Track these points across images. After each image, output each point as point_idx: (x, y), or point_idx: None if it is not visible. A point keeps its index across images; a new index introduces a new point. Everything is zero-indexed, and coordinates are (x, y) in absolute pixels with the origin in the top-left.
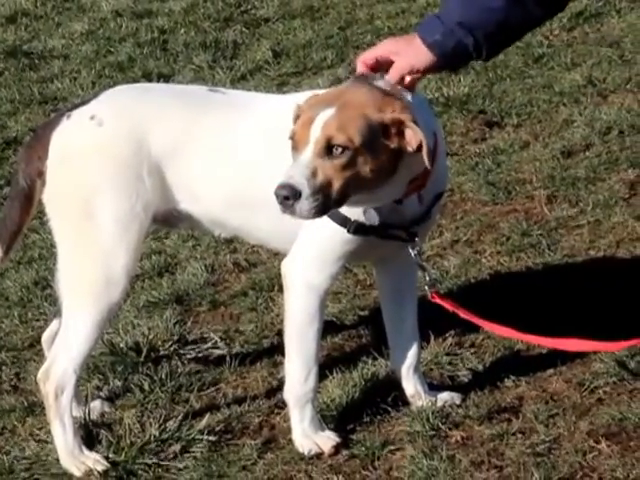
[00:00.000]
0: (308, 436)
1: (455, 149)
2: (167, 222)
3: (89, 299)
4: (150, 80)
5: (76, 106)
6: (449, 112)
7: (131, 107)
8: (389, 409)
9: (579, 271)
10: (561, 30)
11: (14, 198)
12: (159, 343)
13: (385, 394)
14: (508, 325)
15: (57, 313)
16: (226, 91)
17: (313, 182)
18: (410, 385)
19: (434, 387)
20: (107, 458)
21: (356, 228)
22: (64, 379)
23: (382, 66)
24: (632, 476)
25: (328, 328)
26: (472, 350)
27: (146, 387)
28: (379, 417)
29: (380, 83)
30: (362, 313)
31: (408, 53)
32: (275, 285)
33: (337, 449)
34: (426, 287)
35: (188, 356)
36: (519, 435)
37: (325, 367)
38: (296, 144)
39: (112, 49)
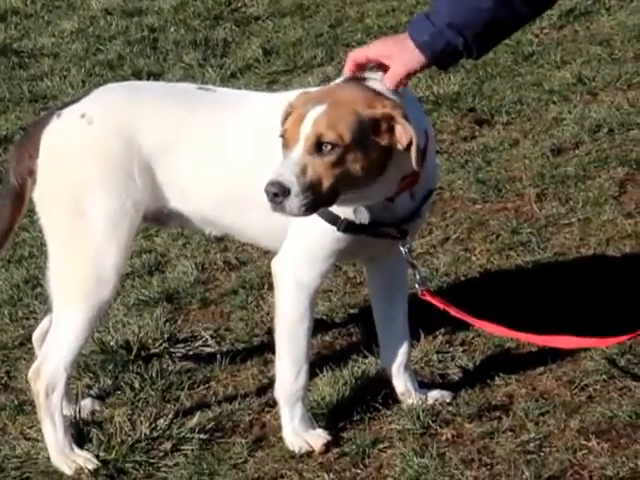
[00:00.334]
0: (298, 434)
1: (445, 147)
2: (158, 220)
3: (80, 297)
4: (140, 78)
5: (66, 104)
6: (439, 110)
7: (121, 105)
8: (379, 407)
9: (569, 269)
10: (551, 28)
11: (5, 197)
12: (149, 341)
13: (375, 392)
14: (498, 323)
15: (47, 311)
16: (216, 89)
17: (303, 179)
18: (400, 383)
19: (424, 385)
20: (98, 456)
21: (346, 226)
22: (55, 377)
23: (372, 65)
24: (622, 474)
25: (318, 326)
26: (462, 348)
27: (136, 385)
28: (369, 415)
29: (371, 83)
30: (352, 311)
31: (401, 57)
32: (265, 283)
33: (327, 447)
34: (416, 285)
35: (178, 354)
36: (509, 433)
37: (315, 365)
38: (287, 141)
39: (102, 47)
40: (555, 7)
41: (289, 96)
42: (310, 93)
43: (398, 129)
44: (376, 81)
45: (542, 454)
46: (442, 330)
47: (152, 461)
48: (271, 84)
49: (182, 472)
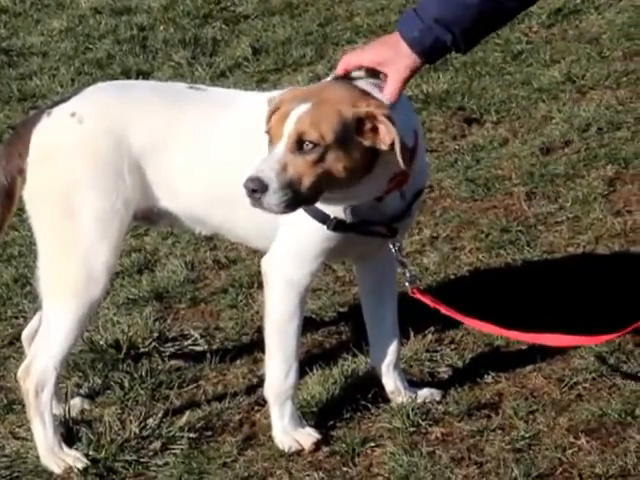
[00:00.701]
0: (288, 433)
1: (434, 146)
2: (147, 219)
3: (69, 296)
4: (129, 77)
5: (56, 103)
6: (428, 109)
7: (112, 104)
8: (369, 406)
9: (558, 267)
10: (540, 27)
11: None
12: (139, 340)
13: (365, 391)
14: (488, 321)
15: (37, 310)
16: (206, 88)
17: (282, 176)
18: (390, 382)
19: (414, 384)
20: (87, 455)
21: (336, 225)
22: (44, 376)
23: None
24: (611, 472)
25: (308, 325)
26: (452, 347)
27: (126, 384)
28: (359, 414)
29: (359, 82)
30: (342, 310)
31: (397, 63)
32: (255, 282)
33: (317, 446)
34: (406, 283)
35: (168, 353)
36: (499, 431)
37: (305, 364)
38: (271, 138)
39: (91, 46)
40: (544, 6)
41: (278, 95)
42: (297, 91)
43: (382, 129)
44: (363, 80)
45: (531, 452)
46: (432, 329)
47: (142, 460)
48: (260, 83)
49: (172, 471)
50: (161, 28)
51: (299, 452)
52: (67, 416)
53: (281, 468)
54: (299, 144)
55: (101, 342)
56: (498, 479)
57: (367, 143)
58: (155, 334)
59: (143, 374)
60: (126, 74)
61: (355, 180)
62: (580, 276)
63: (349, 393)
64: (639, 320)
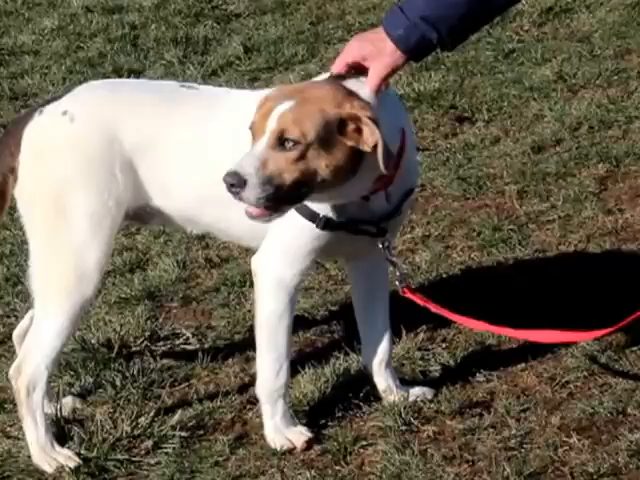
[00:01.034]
0: (280, 431)
1: (426, 144)
2: (139, 218)
3: (61, 295)
4: (121, 76)
5: (48, 102)
6: (420, 107)
7: (103, 103)
8: (361, 404)
9: (550, 266)
10: (531, 25)
11: None
12: (131, 339)
13: (357, 389)
14: (479, 319)
15: (28, 309)
16: (198, 87)
17: (262, 172)
18: (382, 380)
19: (406, 382)
20: (79, 454)
21: (325, 223)
22: (36, 375)
23: (354, 69)
24: (603, 470)
25: (300, 323)
26: (444, 345)
27: (118, 383)
28: (351, 412)
29: (348, 82)
30: (334, 308)
31: (380, 59)
32: (247, 281)
33: (309, 444)
34: (397, 282)
35: (160, 352)
36: (491, 430)
37: (297, 362)
38: (254, 134)
39: (82, 45)
40: (535, 4)
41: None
42: (284, 88)
43: (365, 131)
44: (353, 80)
45: (523, 450)
46: (423, 327)
47: (133, 459)
48: (252, 81)
49: (164, 470)
50: (152, 27)
51: (291, 451)
52: (59, 415)
53: (273, 467)
54: (280, 141)
55: (93, 341)
56: (490, 477)
57: (350, 143)
58: (147, 333)
59: (135, 373)
60: (118, 73)
61: (340, 179)
62: (571, 274)
63: (341, 392)
64: (630, 317)
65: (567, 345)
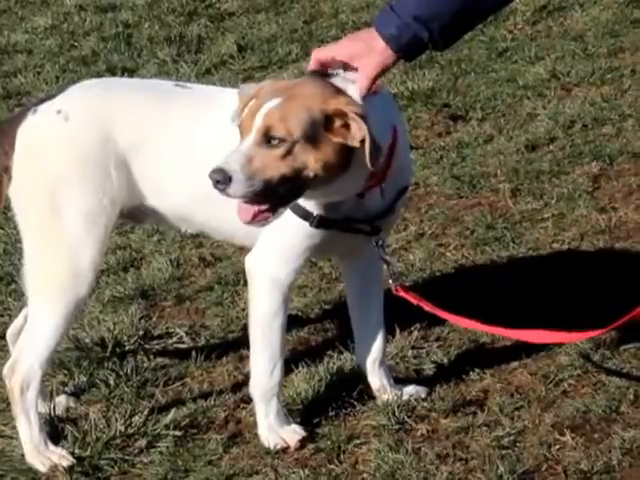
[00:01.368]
0: (274, 430)
1: (420, 143)
2: (134, 217)
3: (55, 294)
4: (114, 74)
5: (42, 101)
6: (414, 106)
7: (98, 102)
8: (355, 403)
9: (543, 264)
10: (525, 24)
11: None
12: (124, 338)
13: (351, 388)
14: (473, 318)
15: (22, 308)
16: (192, 86)
17: (248, 168)
18: (376, 379)
19: (399, 381)
20: (72, 453)
21: (319, 222)
22: (30, 374)
23: (337, 65)
24: (596, 468)
25: (294, 322)
26: (437, 344)
27: (111, 382)
28: (345, 411)
29: (335, 79)
30: (327, 307)
31: (370, 58)
32: (241, 279)
33: (303, 443)
34: (390, 281)
35: (153, 351)
36: (484, 428)
37: (291, 361)
38: (241, 131)
39: (76, 43)
40: (529, 3)
41: (254, 86)
42: (272, 85)
43: (353, 126)
44: (339, 77)
45: (517, 449)
46: (417, 326)
47: (127, 458)
48: (246, 80)
49: (157, 469)
50: (146, 25)
51: (284, 449)
52: (52, 414)
53: (267, 465)
54: (267, 139)
55: (86, 340)
56: (483, 476)
57: (338, 140)
58: (140, 332)
59: (128, 372)
60: (111, 71)
61: (331, 175)
62: (565, 272)
63: (335, 390)
64: (624, 316)
65: (560, 343)
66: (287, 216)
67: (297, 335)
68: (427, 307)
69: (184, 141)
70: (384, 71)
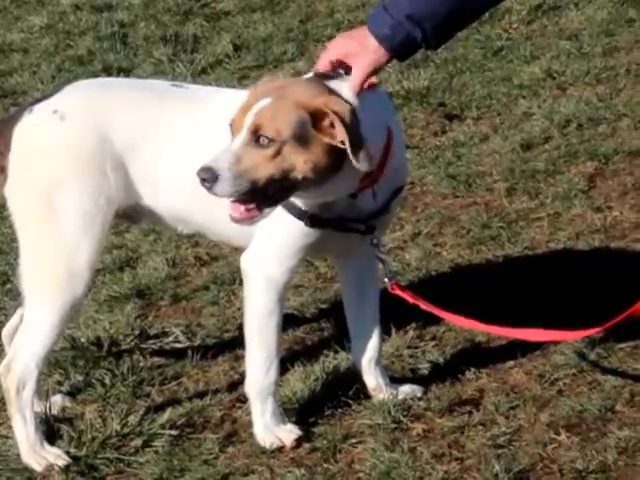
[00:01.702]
0: (269, 429)
1: (415, 142)
2: (130, 217)
3: (52, 293)
4: (110, 74)
5: (38, 100)
6: (409, 105)
7: (94, 101)
8: (350, 402)
9: (539, 263)
10: (520, 23)
11: None
12: (120, 337)
13: (346, 387)
14: (469, 316)
15: (18, 308)
16: (188, 86)
17: (236, 167)
18: (371, 378)
19: (395, 380)
20: (68, 453)
21: (313, 221)
22: (26, 374)
23: (338, 67)
24: (591, 467)
25: (289, 321)
26: (433, 343)
27: (107, 382)
28: (340, 410)
29: (331, 80)
30: (323, 306)
31: (363, 56)
32: (237, 279)
33: (299, 442)
34: (385, 279)
35: (149, 350)
36: (480, 427)
37: (286, 360)
38: (233, 130)
39: (72, 43)
40: (524, 2)
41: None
42: (266, 84)
43: (336, 125)
44: (337, 80)
45: (512, 448)
46: (413, 325)
47: (123, 457)
48: (242, 80)
49: (153, 468)
50: (142, 25)
51: (280, 449)
52: (48, 414)
53: (262, 465)
54: (256, 138)
55: (82, 339)
56: (479, 475)
57: (325, 140)
58: (136, 331)
59: (124, 371)
60: (107, 71)
61: (322, 176)
62: (560, 272)
63: (330, 390)
64: (619, 315)
65: (556, 342)
66: (282, 215)
67: (293, 334)
68: (423, 305)
69: (180, 141)
70: (377, 70)
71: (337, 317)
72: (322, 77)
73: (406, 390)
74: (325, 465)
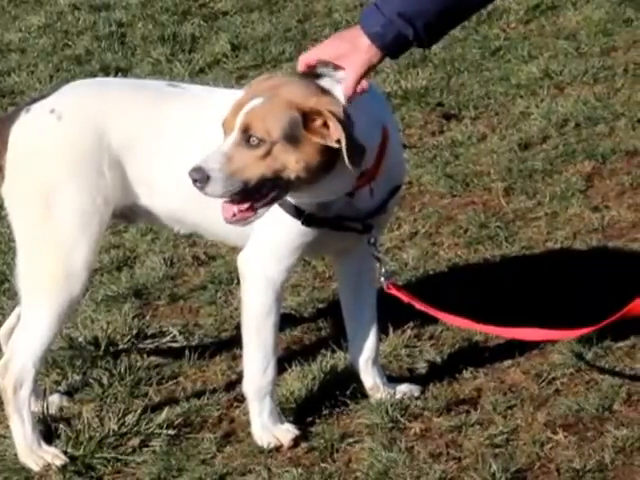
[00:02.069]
0: (267, 429)
1: (413, 142)
2: (127, 217)
3: (49, 293)
4: (108, 73)
5: (35, 100)
6: (407, 105)
7: (91, 101)
8: (348, 402)
9: (536, 263)
10: (518, 23)
11: None
12: (118, 337)
13: (344, 387)
14: (465, 316)
15: (15, 307)
16: (185, 86)
17: (227, 168)
18: (369, 377)
19: (393, 379)
20: (66, 452)
21: (310, 220)
22: (23, 373)
23: (324, 65)
24: (589, 466)
25: (287, 321)
26: (431, 342)
27: (105, 381)
28: (338, 410)
29: (323, 79)
30: (321, 306)
31: (355, 57)
32: (234, 279)
33: (296, 442)
34: (382, 279)
35: (147, 350)
36: (477, 426)
37: (284, 360)
38: (225, 130)
39: (69, 42)
40: (522, 2)
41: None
42: (259, 83)
43: (331, 126)
44: (328, 78)
45: (510, 447)
46: (410, 324)
47: (120, 457)
48: (240, 79)
49: (150, 468)
50: (140, 24)
51: (278, 448)
52: (45, 413)
53: (260, 464)
54: (247, 138)
55: (80, 339)
56: (476, 474)
57: (317, 140)
58: (134, 331)
59: (122, 371)
60: (105, 70)
61: (314, 176)
62: (558, 271)
63: (328, 389)
64: (616, 314)
65: (553, 342)
66: (279, 214)
67: (290, 334)
68: (418, 305)
69: (177, 141)
70: (370, 69)
71: (335, 316)
72: (314, 76)
73: (403, 389)
74: (323, 464)
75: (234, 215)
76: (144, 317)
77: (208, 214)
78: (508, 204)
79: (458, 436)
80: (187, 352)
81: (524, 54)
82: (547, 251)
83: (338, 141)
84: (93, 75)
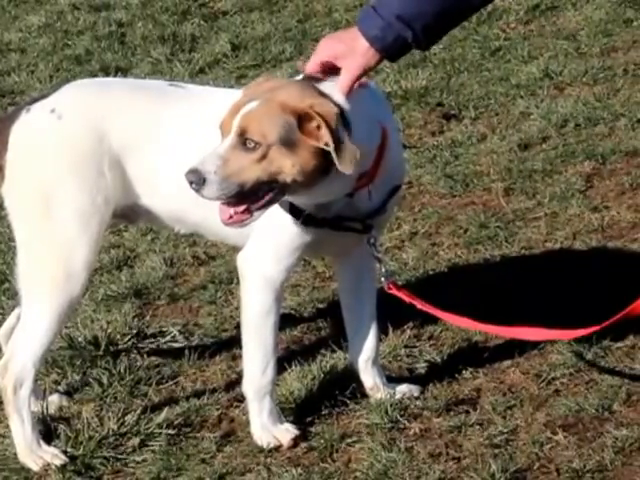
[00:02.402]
0: (267, 429)
1: (413, 142)
2: (127, 217)
3: (49, 293)
4: (108, 73)
5: (36, 100)
6: (407, 105)
7: (91, 101)
8: (348, 401)
9: (536, 263)
10: (518, 23)
11: None
12: (118, 337)
13: (344, 387)
14: (465, 316)
15: (15, 307)
16: (186, 86)
17: (223, 170)
18: (369, 378)
19: (392, 379)
20: (65, 452)
21: (309, 220)
22: (23, 373)
23: (327, 68)
24: (588, 467)
25: (287, 321)
26: (430, 342)
27: (104, 381)
28: (338, 409)
29: (322, 83)
30: (321, 306)
31: (352, 58)
32: (234, 278)
33: (296, 442)
34: (382, 279)
35: (147, 350)
36: (477, 427)
37: (284, 360)
38: (222, 132)
39: (69, 42)
40: (522, 2)
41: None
42: (257, 85)
43: (322, 128)
44: (327, 82)
45: (509, 447)
46: (410, 324)
47: (120, 457)
48: (240, 79)
49: (150, 468)
50: (140, 24)
51: (277, 448)
52: (45, 413)
53: (259, 464)
54: (243, 141)
55: (80, 339)
56: (476, 474)
57: (313, 142)
58: (134, 331)
59: (122, 371)
60: (105, 70)
61: (311, 179)
62: (558, 272)
63: (328, 389)
64: (616, 315)
65: (553, 342)
66: (279, 215)
67: (290, 334)
68: (419, 305)
69: (177, 141)
70: (366, 72)
71: (334, 317)
72: (314, 79)
73: (403, 389)
74: (322, 464)
75: (230, 217)
76: (144, 317)
77: (208, 214)
78: (508, 204)
79: (458, 436)
80: (187, 352)
81: (524, 54)
82: (547, 251)
83: (327, 143)
84: (93, 75)
